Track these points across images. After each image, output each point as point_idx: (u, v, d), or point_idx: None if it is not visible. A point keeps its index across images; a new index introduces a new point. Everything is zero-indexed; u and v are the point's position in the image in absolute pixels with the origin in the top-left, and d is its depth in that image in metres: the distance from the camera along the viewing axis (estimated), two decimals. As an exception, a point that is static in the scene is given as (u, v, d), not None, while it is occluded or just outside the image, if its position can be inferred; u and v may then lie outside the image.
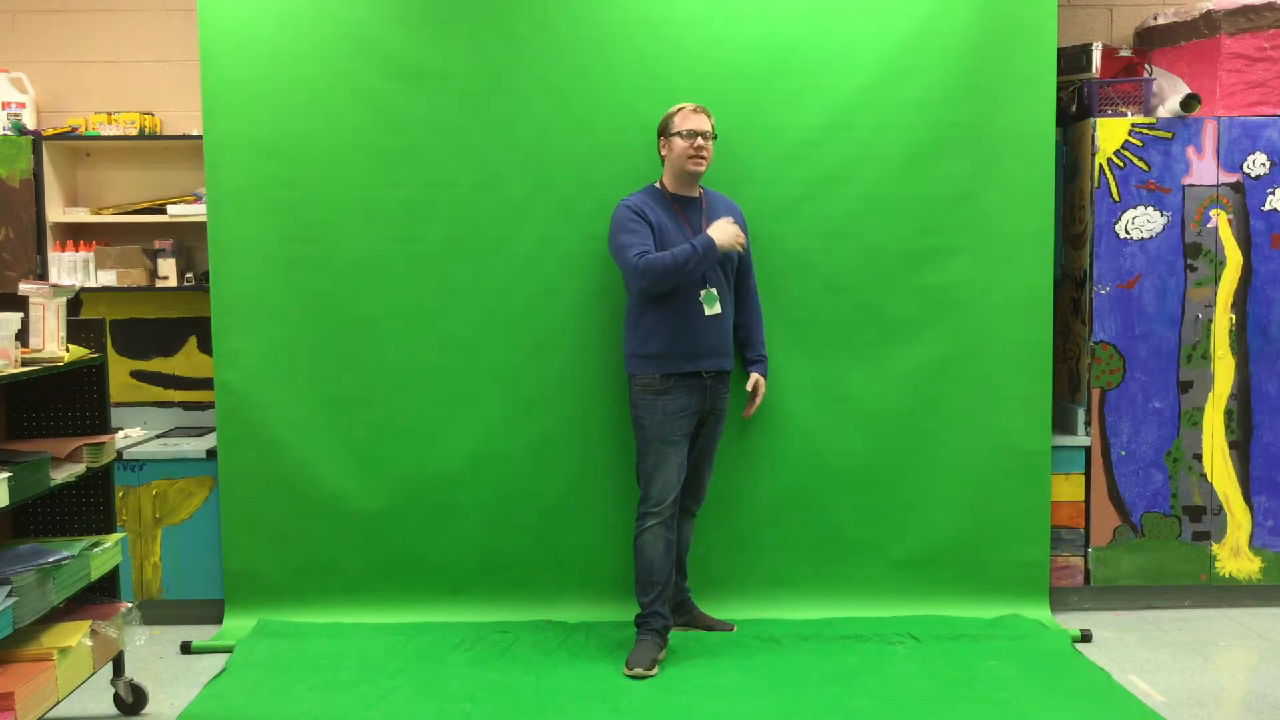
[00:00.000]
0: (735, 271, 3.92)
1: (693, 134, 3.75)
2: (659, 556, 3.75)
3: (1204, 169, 4.29)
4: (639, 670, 3.65)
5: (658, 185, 3.88)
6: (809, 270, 4.17)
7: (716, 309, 3.78)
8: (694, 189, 3.87)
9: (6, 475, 2.89)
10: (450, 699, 3.50)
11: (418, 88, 4.12)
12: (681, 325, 3.76)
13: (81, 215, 4.52)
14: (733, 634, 3.98)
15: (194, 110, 4.44)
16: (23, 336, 3.11)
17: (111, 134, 4.47)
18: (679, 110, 3.79)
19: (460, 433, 4.19)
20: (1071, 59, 4.47)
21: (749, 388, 3.99)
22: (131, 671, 3.56)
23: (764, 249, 4.07)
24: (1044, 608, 4.23)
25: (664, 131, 3.83)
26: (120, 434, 4.48)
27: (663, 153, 3.85)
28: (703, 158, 3.78)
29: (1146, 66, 4.55)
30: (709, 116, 3.81)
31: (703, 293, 3.77)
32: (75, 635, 3.21)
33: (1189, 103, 4.26)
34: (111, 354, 4.61)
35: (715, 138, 3.82)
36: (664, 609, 3.79)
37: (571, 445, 4.18)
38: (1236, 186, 4.30)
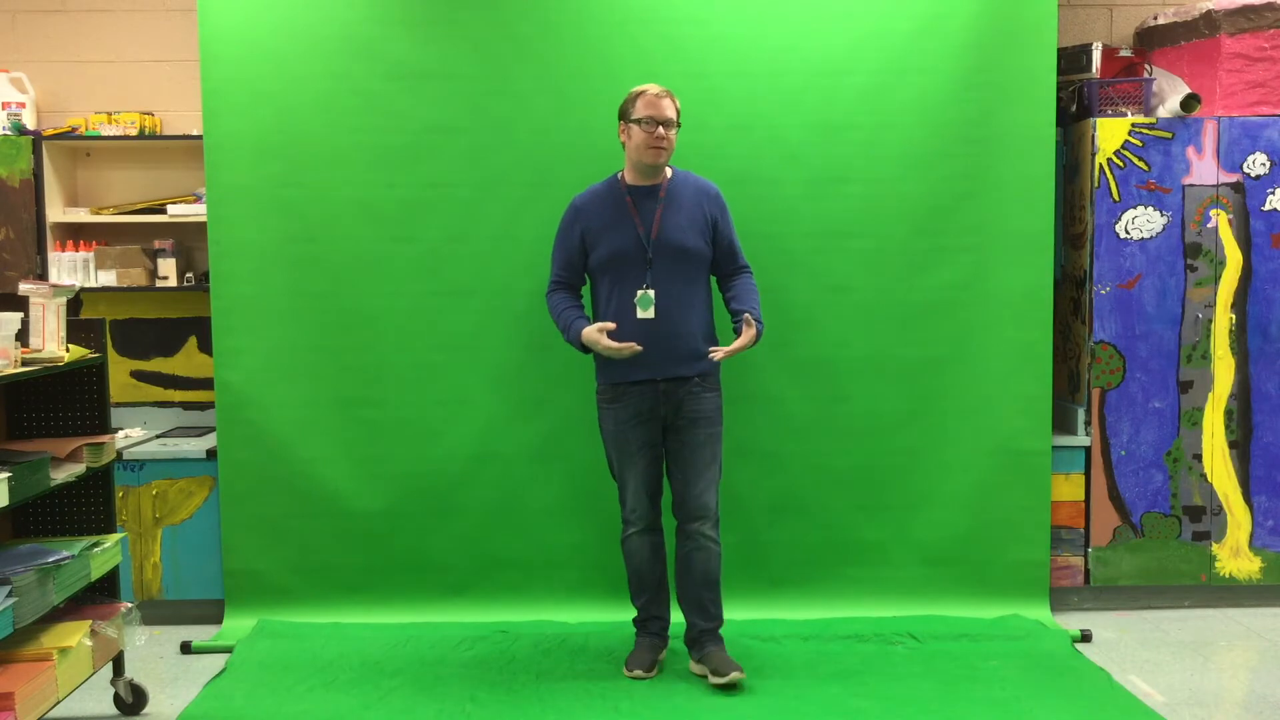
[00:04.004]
0: (707, 265, 3.67)
1: (652, 122, 3.51)
2: (645, 562, 3.69)
3: (1204, 169, 4.29)
4: (638, 672, 3.64)
5: (618, 175, 3.68)
6: (809, 270, 4.17)
7: (649, 313, 3.53)
8: (654, 177, 3.62)
9: (6, 475, 2.89)
10: (450, 699, 3.50)
11: (418, 88, 4.12)
12: (624, 331, 3.53)
13: (81, 215, 4.52)
14: (732, 635, 3.82)
15: (194, 110, 4.44)
16: (23, 336, 3.11)
17: (111, 134, 4.47)
18: (640, 94, 3.55)
19: (460, 433, 4.19)
20: (1071, 59, 4.47)
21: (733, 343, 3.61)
22: (131, 671, 3.56)
23: (764, 249, 4.06)
24: (1044, 608, 4.23)
25: (623, 116, 3.60)
26: (120, 434, 4.48)
27: (622, 139, 3.62)
28: (662, 148, 3.54)
29: (1146, 66, 4.55)
30: (674, 101, 3.58)
31: (639, 293, 3.55)
32: (75, 635, 3.21)
33: (1189, 103, 4.26)
34: (111, 354, 4.60)
35: (679, 125, 3.60)
36: (659, 610, 3.76)
37: (571, 445, 4.18)
38: (1236, 186, 4.30)
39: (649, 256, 3.56)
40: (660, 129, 3.53)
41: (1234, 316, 4.33)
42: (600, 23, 4.12)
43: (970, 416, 4.22)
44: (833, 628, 4.06)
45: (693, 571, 3.65)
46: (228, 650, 3.95)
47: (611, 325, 3.52)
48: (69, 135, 4.50)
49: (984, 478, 4.23)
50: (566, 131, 4.13)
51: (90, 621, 3.32)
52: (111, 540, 3.48)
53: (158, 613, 4.26)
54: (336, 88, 4.11)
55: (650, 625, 3.76)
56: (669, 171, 3.68)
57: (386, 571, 4.22)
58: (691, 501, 3.64)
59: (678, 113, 3.60)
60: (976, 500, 4.23)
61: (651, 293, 3.54)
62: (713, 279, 3.77)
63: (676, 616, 3.85)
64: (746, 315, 3.58)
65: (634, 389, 3.59)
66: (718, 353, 3.56)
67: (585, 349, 3.59)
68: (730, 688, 3.51)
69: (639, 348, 3.50)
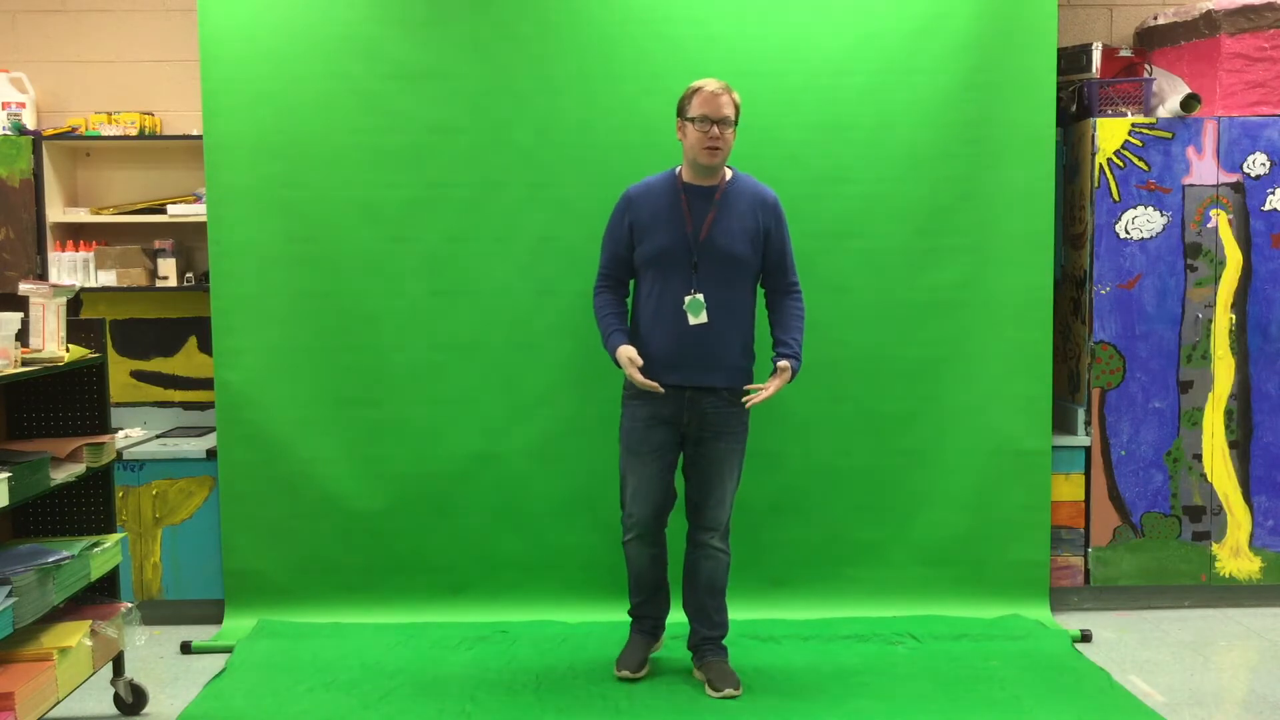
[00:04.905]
0: (754, 274, 3.58)
1: (707, 120, 3.39)
2: (644, 568, 3.67)
3: (1204, 169, 4.29)
4: (626, 673, 3.61)
5: (676, 170, 3.57)
6: (809, 270, 4.14)
7: (702, 318, 3.44)
8: (711, 178, 3.51)
9: (6, 475, 2.89)
10: (450, 699, 3.50)
11: (418, 88, 4.12)
12: (660, 331, 3.48)
13: (81, 215, 4.52)
14: (733, 635, 3.80)
15: (194, 110, 4.44)
16: (23, 336, 3.11)
17: (111, 134, 4.47)
18: (698, 90, 3.43)
19: (460, 433, 4.19)
20: (1071, 59, 4.47)
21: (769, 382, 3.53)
22: (131, 671, 3.56)
23: (764, 249, 4.07)
24: (1044, 608, 4.23)
25: (680, 112, 3.49)
26: (120, 434, 4.48)
27: (679, 136, 3.52)
28: (718, 148, 3.42)
29: (1146, 66, 4.55)
30: (733, 97, 3.45)
31: (688, 299, 3.45)
32: (75, 635, 3.21)
33: (1189, 103, 4.26)
34: (111, 354, 4.60)
35: (737, 123, 3.47)
36: (654, 610, 3.74)
37: (571, 445, 4.18)
38: (1236, 186, 4.30)
39: (694, 259, 3.48)
40: (715, 128, 3.40)
41: (1234, 316, 4.33)
42: (600, 23, 4.12)
43: (970, 416, 4.22)
44: (833, 628, 4.06)
45: (698, 578, 3.63)
46: (228, 650, 3.95)
47: (640, 361, 3.47)
48: (69, 135, 4.50)
49: (984, 478, 4.23)
50: (566, 131, 4.13)
51: (90, 621, 3.31)
52: (111, 540, 3.48)
53: (158, 613, 4.26)
54: (336, 88, 4.11)
55: (643, 623, 3.75)
56: (728, 173, 3.56)
57: (386, 571, 4.22)
58: (706, 513, 3.61)
59: (737, 109, 3.46)
60: (976, 500, 4.23)
61: (701, 297, 3.44)
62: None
63: (672, 626, 3.84)
64: (784, 364, 3.50)
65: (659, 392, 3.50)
66: (752, 399, 3.48)
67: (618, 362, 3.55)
68: (725, 700, 3.50)
69: (661, 389, 3.45)
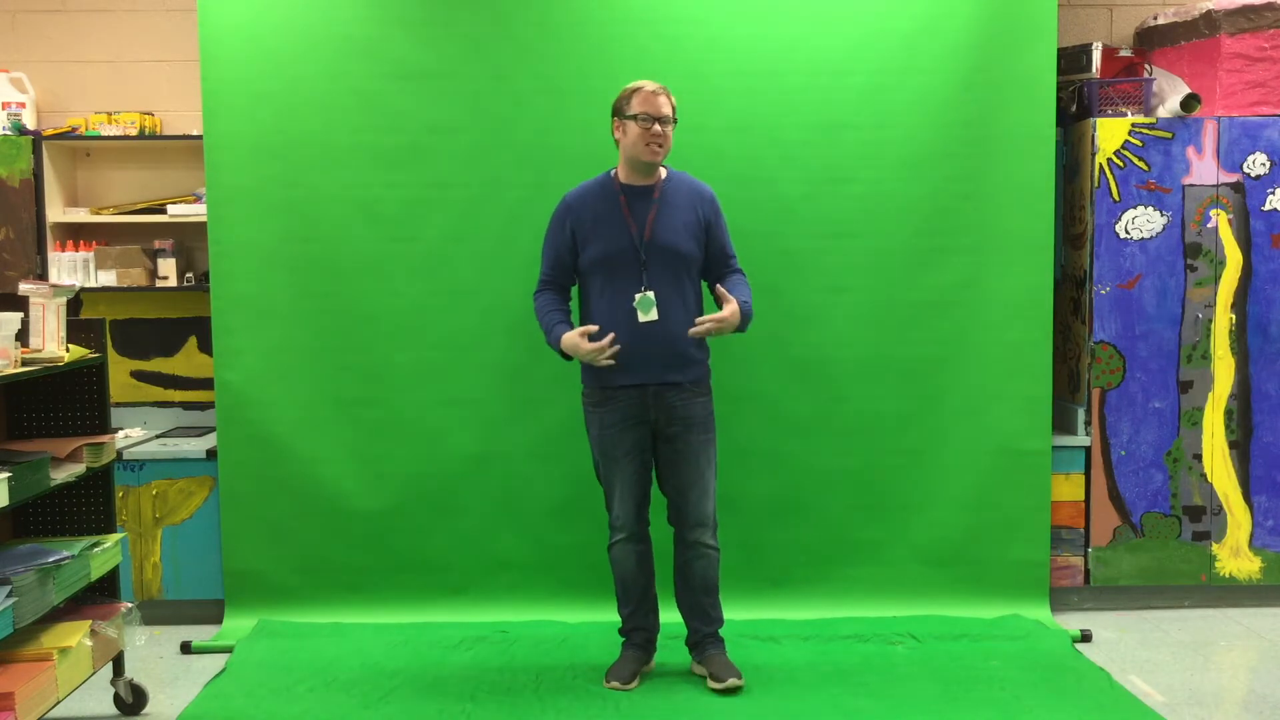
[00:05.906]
0: (699, 268, 3.59)
1: (649, 118, 3.43)
2: (630, 572, 3.64)
3: (1204, 169, 4.29)
4: (615, 684, 3.58)
5: (612, 173, 3.61)
6: (809, 270, 4.17)
7: (652, 315, 3.45)
8: (649, 177, 3.55)
9: (6, 475, 2.89)
10: (450, 699, 3.50)
11: (418, 88, 4.12)
12: (616, 334, 3.45)
13: (81, 215, 4.52)
14: (732, 635, 3.80)
15: (194, 110, 4.44)
16: (23, 336, 3.11)
17: (111, 134, 4.47)
18: (636, 90, 3.48)
19: (461, 432, 4.19)
20: (1071, 59, 4.47)
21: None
22: (131, 671, 3.56)
23: (764, 249, 4.07)
24: (1044, 608, 4.23)
25: (618, 112, 3.51)
26: (120, 434, 4.48)
27: (616, 135, 3.53)
28: (660, 144, 3.47)
29: (1146, 66, 4.55)
30: (670, 98, 3.51)
31: (638, 296, 3.46)
32: (75, 635, 3.21)
33: (1189, 103, 4.26)
34: (111, 354, 4.60)
35: (675, 122, 3.53)
36: (645, 622, 3.71)
37: (572, 445, 4.17)
38: (1236, 186, 4.30)
39: (643, 258, 3.50)
40: (657, 126, 3.46)
41: (1234, 316, 4.33)
42: (600, 23, 4.12)
43: (970, 416, 4.22)
44: (833, 628, 4.06)
45: (692, 579, 3.62)
46: (228, 650, 3.95)
47: (594, 328, 3.47)
48: (69, 135, 4.50)
49: (984, 478, 4.23)
50: (566, 132, 4.13)
51: (90, 621, 3.32)
52: (111, 540, 3.48)
53: (158, 613, 4.26)
54: (336, 88, 4.11)
55: (635, 637, 3.71)
56: (664, 171, 3.60)
57: (386, 571, 4.22)
58: (689, 510, 3.58)
59: (674, 109, 3.53)
60: (976, 500, 4.24)
61: (652, 294, 3.46)
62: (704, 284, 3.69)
63: (666, 626, 3.82)
64: (722, 290, 3.49)
65: (621, 393, 3.51)
66: (699, 327, 3.45)
67: (566, 355, 3.55)
68: (729, 693, 3.51)
69: (616, 348, 3.44)
